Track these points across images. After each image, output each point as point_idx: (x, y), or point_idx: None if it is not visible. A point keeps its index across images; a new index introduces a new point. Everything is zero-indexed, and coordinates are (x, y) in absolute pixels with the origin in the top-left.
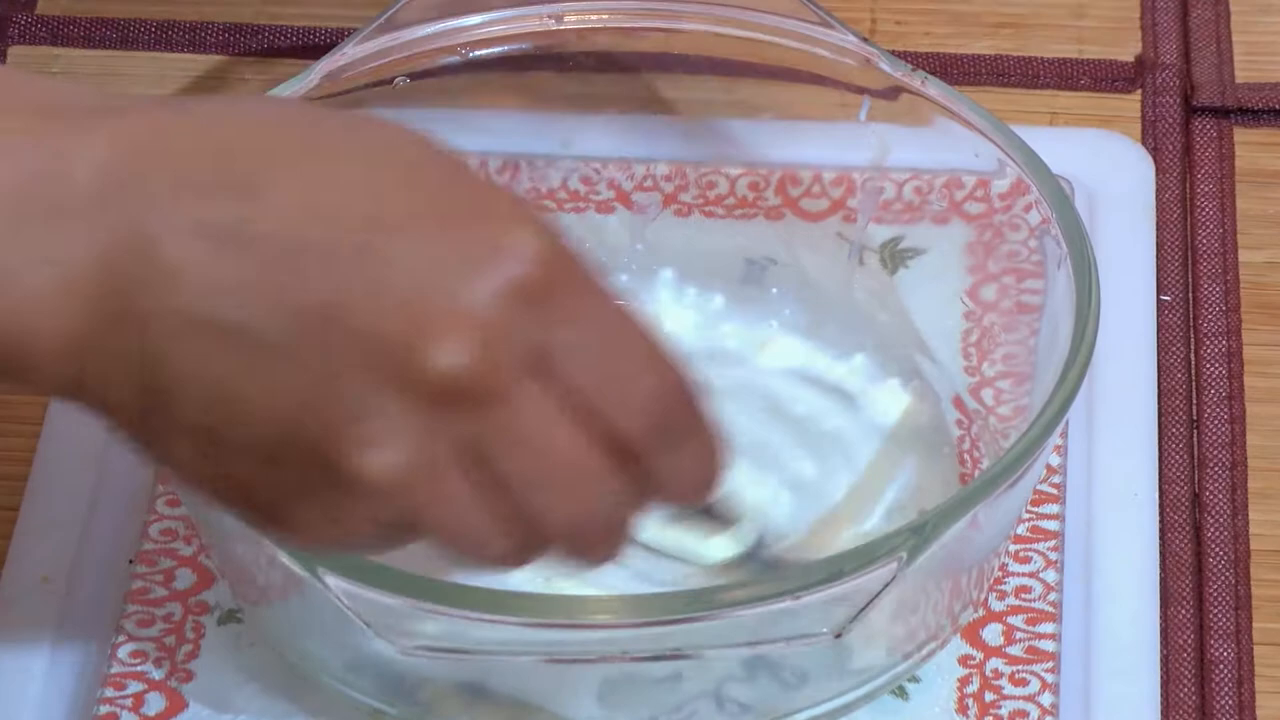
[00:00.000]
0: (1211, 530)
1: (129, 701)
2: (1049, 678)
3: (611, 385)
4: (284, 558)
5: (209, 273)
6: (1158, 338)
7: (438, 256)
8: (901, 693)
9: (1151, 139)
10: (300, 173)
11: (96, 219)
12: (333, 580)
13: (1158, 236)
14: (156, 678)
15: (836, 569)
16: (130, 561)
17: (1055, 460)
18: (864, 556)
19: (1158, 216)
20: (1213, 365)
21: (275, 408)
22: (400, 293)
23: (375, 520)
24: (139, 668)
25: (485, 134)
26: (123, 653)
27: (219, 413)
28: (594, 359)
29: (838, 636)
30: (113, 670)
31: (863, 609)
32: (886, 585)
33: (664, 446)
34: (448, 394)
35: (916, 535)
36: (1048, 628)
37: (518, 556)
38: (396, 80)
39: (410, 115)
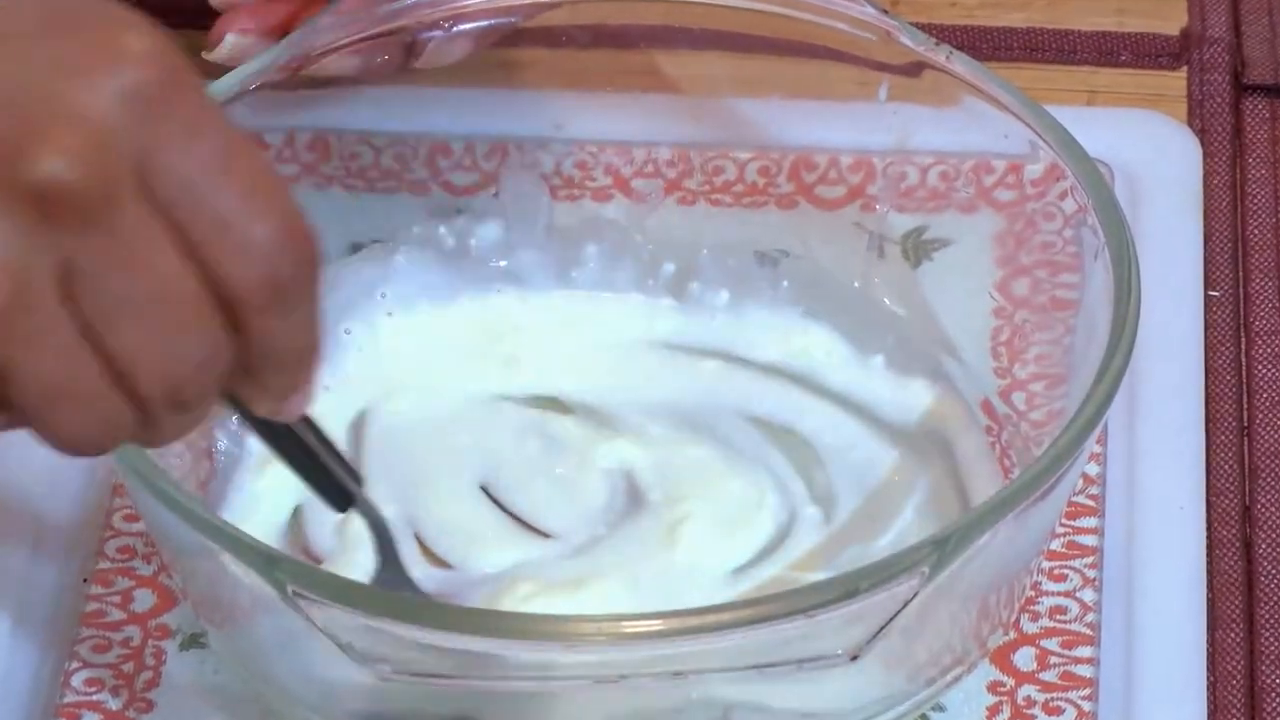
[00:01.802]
0: (1263, 546)
1: None
2: (1086, 706)
3: (226, 222)
4: (254, 575)
5: None
6: (1205, 337)
7: (46, 60)
8: None
9: (1198, 120)
10: None
11: None
12: (305, 600)
13: (1205, 226)
14: (113, 708)
15: (852, 585)
16: (85, 581)
17: (1093, 469)
18: (882, 572)
19: (1205, 204)
20: (1265, 367)
21: None
22: (5, 96)
23: None
24: (94, 696)
25: (471, 115)
26: (77, 680)
27: None
28: (210, 187)
29: (854, 659)
30: (66, 700)
31: (881, 629)
32: (907, 603)
33: (271, 307)
34: (52, 202)
35: (939, 549)
36: (1085, 651)
37: (104, 426)
38: (377, 57)
39: (390, 94)
